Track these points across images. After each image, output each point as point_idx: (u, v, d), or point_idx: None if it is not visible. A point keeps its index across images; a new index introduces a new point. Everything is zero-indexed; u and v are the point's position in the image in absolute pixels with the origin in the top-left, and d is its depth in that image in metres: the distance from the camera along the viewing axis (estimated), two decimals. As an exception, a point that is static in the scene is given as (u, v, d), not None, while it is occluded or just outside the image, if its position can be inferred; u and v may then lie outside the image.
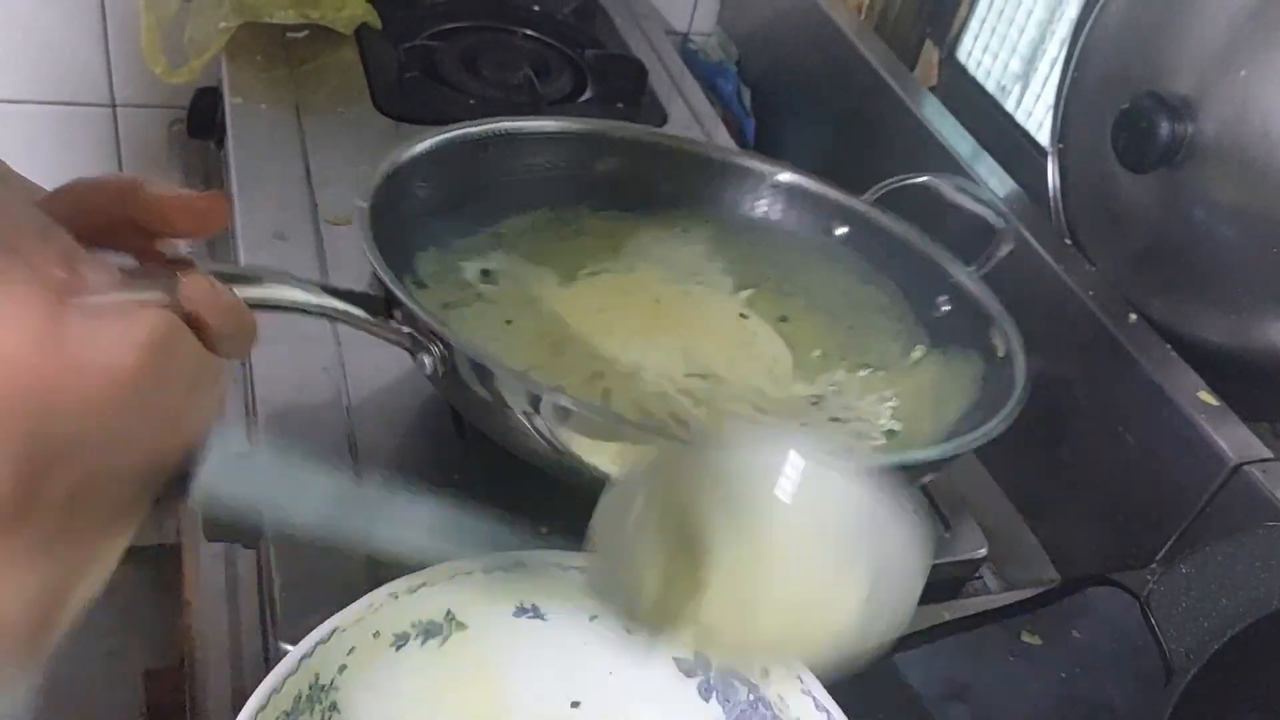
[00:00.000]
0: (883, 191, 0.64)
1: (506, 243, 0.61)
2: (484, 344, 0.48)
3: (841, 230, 0.64)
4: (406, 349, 0.46)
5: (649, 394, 0.56)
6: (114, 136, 0.93)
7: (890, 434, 0.58)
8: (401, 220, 0.54)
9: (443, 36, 0.83)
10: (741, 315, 0.63)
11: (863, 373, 0.61)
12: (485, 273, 0.59)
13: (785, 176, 0.65)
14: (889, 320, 0.63)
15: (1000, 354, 0.56)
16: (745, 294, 0.64)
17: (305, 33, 0.77)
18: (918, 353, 0.61)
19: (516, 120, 0.60)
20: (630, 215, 0.64)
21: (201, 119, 0.79)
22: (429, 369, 0.46)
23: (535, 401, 0.45)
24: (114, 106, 0.91)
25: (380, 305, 0.46)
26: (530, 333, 0.57)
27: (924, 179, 0.62)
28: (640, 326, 0.60)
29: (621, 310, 0.61)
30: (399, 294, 0.45)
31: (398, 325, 0.46)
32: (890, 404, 0.60)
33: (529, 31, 0.87)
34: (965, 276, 0.60)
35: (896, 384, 0.61)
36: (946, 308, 0.61)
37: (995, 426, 0.50)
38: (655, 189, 0.65)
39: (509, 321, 0.57)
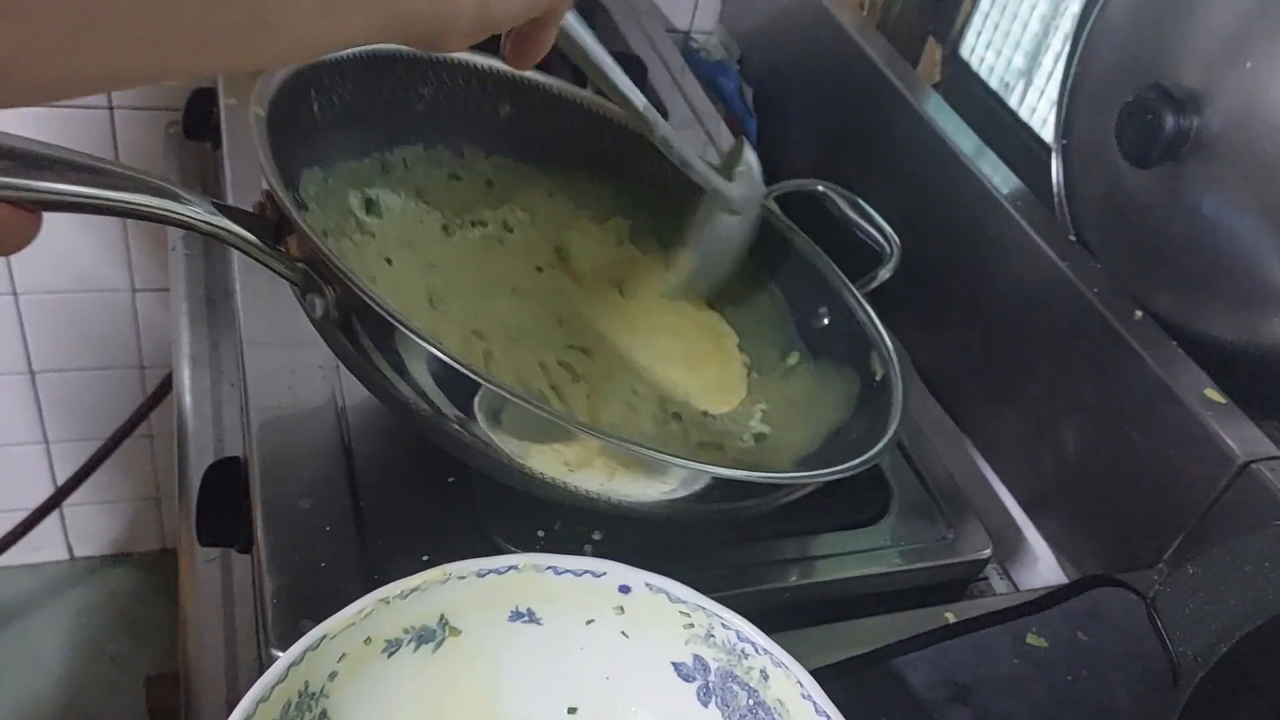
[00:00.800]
0: (778, 193, 0.65)
1: (395, 175, 0.57)
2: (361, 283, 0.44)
3: (732, 218, 0.61)
4: (296, 285, 0.43)
5: (528, 362, 0.54)
6: (111, 138, 0.92)
7: (758, 437, 0.57)
8: (296, 134, 0.51)
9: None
10: (621, 292, 0.62)
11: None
12: (369, 203, 0.56)
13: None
14: (769, 322, 0.63)
15: (878, 377, 0.56)
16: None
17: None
18: (792, 359, 0.61)
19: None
20: (526, 167, 0.62)
21: (197, 120, 0.79)
22: (318, 312, 0.43)
23: (444, 372, 0.42)
24: (111, 109, 0.90)
25: (271, 230, 0.43)
26: (409, 277, 0.54)
27: (818, 187, 0.63)
28: (524, 288, 0.58)
29: (503, 269, 0.59)
30: (295, 218, 0.42)
31: (289, 257, 0.43)
32: (761, 406, 0.59)
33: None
34: (848, 293, 0.61)
35: (769, 389, 0.60)
36: (826, 320, 0.61)
37: (868, 460, 0.49)
38: (555, 142, 0.62)
39: (389, 260, 0.54)
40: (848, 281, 0.61)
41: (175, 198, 0.39)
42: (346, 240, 0.53)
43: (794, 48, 0.93)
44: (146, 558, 1.30)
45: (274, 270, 0.43)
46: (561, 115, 0.63)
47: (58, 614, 1.26)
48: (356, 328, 0.43)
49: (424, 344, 0.41)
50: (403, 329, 0.41)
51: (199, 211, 0.40)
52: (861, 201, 0.63)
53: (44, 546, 1.29)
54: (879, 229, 0.61)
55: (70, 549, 1.31)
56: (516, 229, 0.61)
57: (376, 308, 0.41)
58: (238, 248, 0.42)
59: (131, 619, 1.26)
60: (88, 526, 1.29)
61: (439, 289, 0.55)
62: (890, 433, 0.51)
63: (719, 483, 0.45)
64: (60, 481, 1.17)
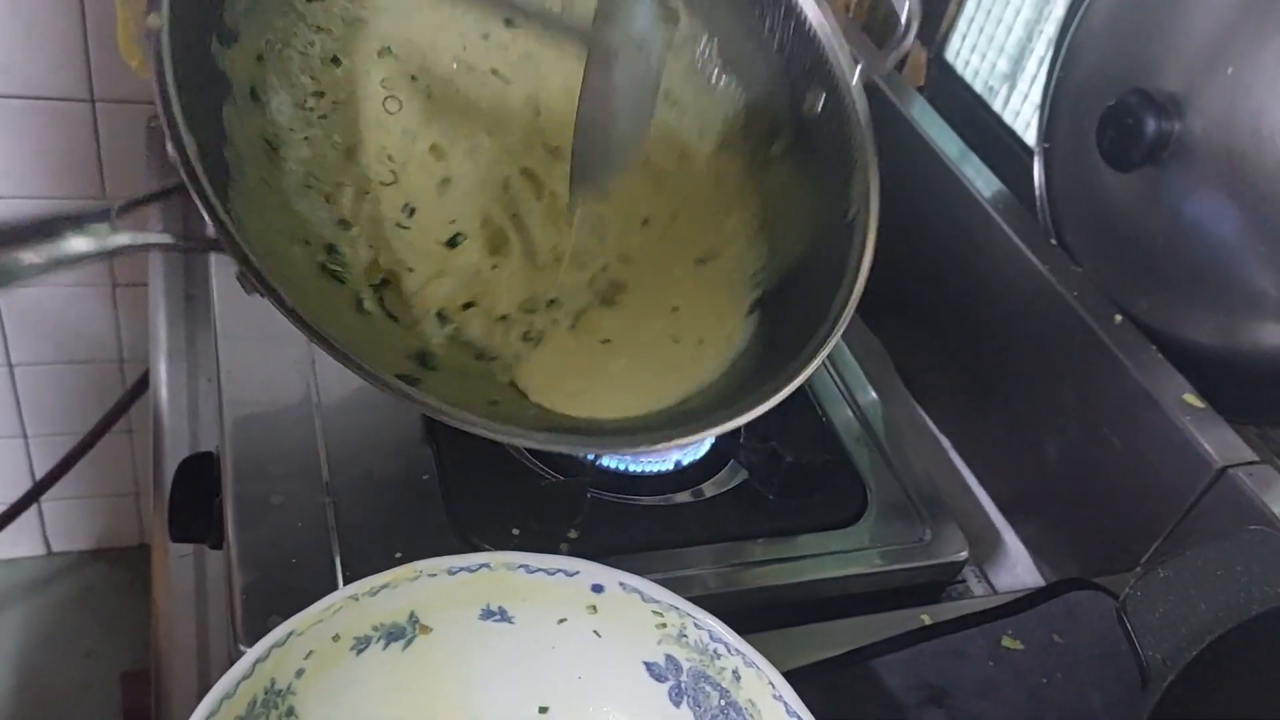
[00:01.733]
0: None
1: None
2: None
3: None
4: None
5: (489, 182, 0.51)
6: (93, 132, 0.91)
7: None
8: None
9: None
10: None
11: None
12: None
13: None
14: (763, 92, 0.57)
15: (849, 215, 0.51)
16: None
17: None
18: (778, 146, 0.56)
19: None
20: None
21: (177, 114, 0.78)
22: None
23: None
24: (93, 102, 0.90)
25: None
26: (363, 73, 0.50)
27: None
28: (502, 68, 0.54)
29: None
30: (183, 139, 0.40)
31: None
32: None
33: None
34: (846, 90, 0.53)
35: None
36: (819, 108, 0.54)
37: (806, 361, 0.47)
38: None
39: (335, 61, 0.50)
40: (851, 63, 0.54)
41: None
42: (291, 50, 0.49)
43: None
44: (124, 554, 1.29)
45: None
46: None
47: (34, 609, 1.25)
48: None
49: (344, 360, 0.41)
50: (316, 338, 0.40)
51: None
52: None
53: (21, 541, 1.28)
54: None
55: (48, 544, 1.30)
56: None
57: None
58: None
59: (108, 615, 1.25)
60: (65, 522, 1.28)
61: (394, 80, 0.50)
62: (831, 327, 0.47)
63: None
64: (38, 476, 1.16)
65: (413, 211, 0.52)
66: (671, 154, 0.58)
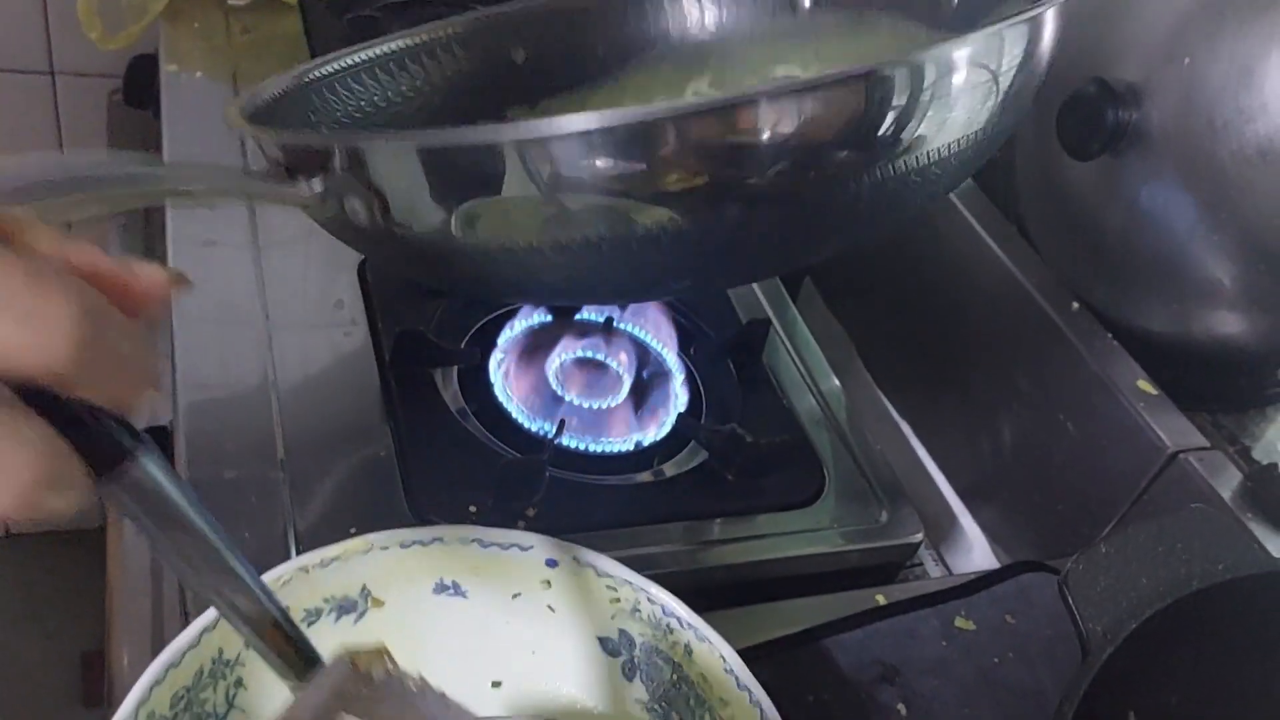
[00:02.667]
0: None
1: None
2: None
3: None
4: (322, 202, 0.38)
5: None
6: (53, 104, 0.90)
7: None
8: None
9: (393, 10, 0.81)
10: None
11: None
12: None
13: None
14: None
15: None
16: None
17: (247, 1, 0.76)
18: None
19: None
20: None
21: (138, 87, 0.77)
22: (362, 216, 0.37)
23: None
24: (53, 74, 0.88)
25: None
26: None
27: None
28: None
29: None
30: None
31: (306, 182, 0.38)
32: None
33: (476, 4, 0.86)
34: None
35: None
36: None
37: None
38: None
39: None
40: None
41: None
42: None
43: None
44: (85, 535, 1.28)
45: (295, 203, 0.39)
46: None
47: (-6, 589, 1.24)
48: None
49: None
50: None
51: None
52: None
53: (-20, 522, 1.26)
54: None
55: (7, 525, 1.28)
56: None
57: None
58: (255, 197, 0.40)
59: (69, 595, 1.23)
60: (25, 503, 1.26)
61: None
62: None
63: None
64: (-3, 456, 1.15)
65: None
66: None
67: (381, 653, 0.31)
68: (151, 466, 0.25)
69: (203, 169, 0.37)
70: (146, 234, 0.75)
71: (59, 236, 0.24)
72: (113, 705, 0.51)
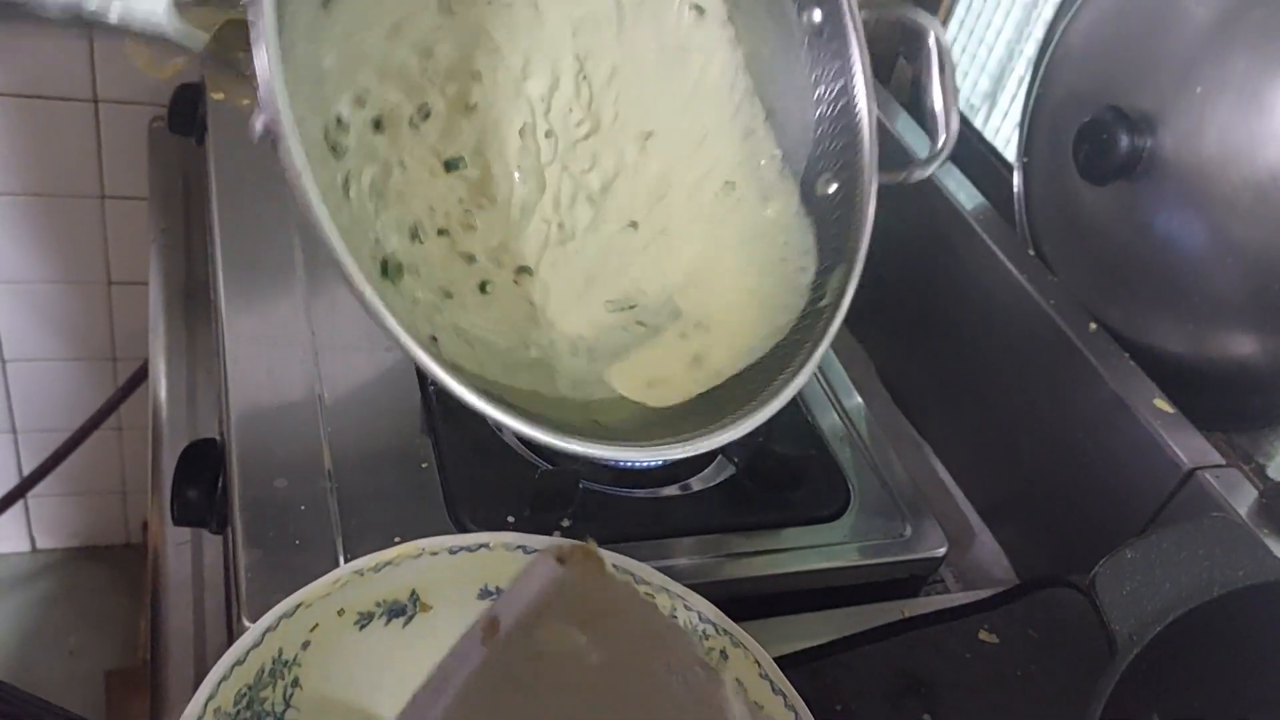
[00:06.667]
0: (884, 18, 0.57)
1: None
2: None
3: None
4: None
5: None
6: (95, 131, 0.93)
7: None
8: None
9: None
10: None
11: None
12: None
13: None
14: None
15: (819, 303, 0.53)
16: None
17: (288, 32, 0.78)
18: (771, 209, 0.56)
19: None
20: None
21: (182, 115, 0.80)
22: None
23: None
24: (96, 102, 0.91)
25: None
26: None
27: (927, 28, 0.53)
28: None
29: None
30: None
31: None
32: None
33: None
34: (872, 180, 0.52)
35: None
36: (830, 192, 0.54)
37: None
38: None
39: None
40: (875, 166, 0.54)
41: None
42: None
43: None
44: (110, 551, 1.30)
45: None
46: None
47: (18, 605, 1.25)
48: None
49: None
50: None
51: None
52: (951, 79, 0.54)
53: (7, 537, 1.28)
54: (944, 115, 0.54)
55: (33, 540, 1.30)
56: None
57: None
58: None
59: (92, 612, 1.25)
60: (52, 518, 1.28)
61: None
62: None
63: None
64: (26, 471, 1.17)
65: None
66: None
67: (590, 551, 0.31)
68: None
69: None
70: (187, 246, 0.77)
71: None
72: (162, 716, 0.53)
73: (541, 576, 0.31)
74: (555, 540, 0.40)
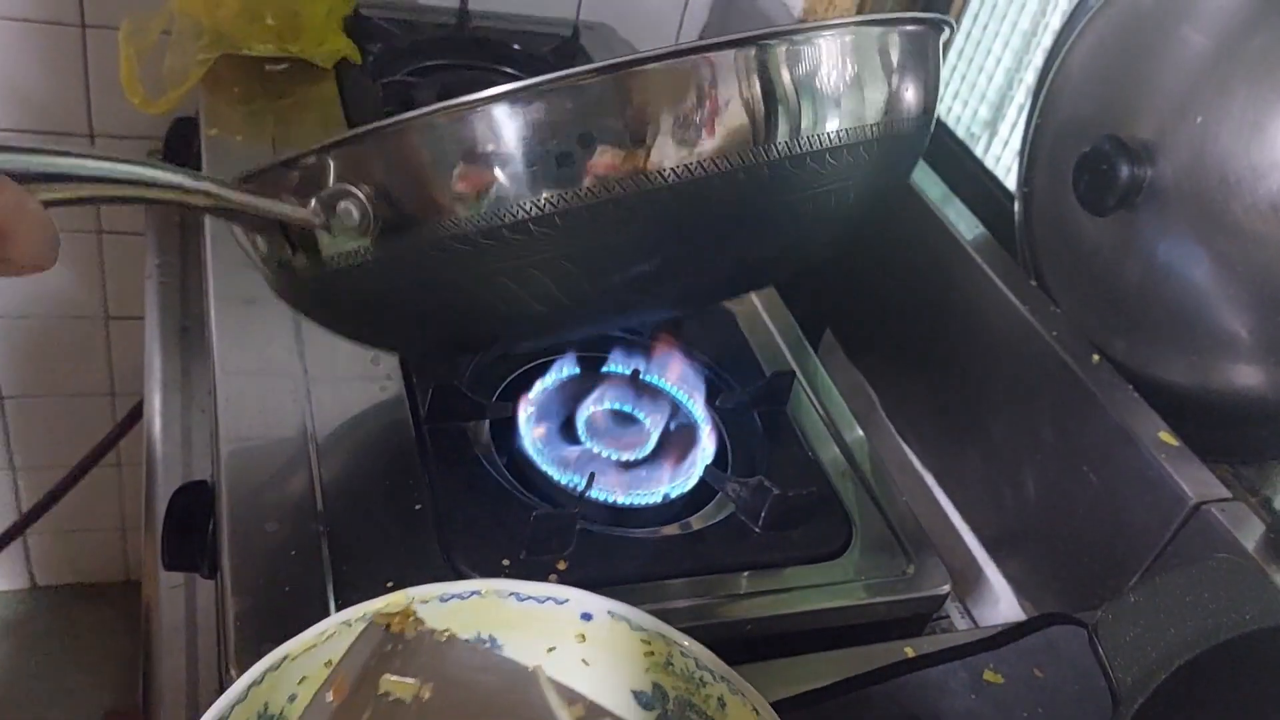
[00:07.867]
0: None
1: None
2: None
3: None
4: (316, 214, 0.40)
5: None
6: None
7: None
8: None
9: (422, 73, 0.84)
10: None
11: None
12: None
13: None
14: None
15: None
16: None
17: (284, 66, 0.78)
18: None
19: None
20: None
21: (177, 149, 0.80)
22: (356, 219, 0.40)
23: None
24: (91, 136, 0.91)
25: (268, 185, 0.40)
26: None
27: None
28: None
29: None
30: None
31: (295, 198, 0.40)
32: None
33: (509, 70, 0.89)
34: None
35: None
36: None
37: None
38: None
39: None
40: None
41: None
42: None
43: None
44: (109, 589, 1.29)
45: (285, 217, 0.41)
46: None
47: (16, 644, 1.24)
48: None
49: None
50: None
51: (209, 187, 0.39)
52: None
53: (6, 574, 1.27)
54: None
55: (32, 578, 1.29)
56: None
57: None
58: (231, 214, 0.41)
59: (92, 651, 1.24)
60: (51, 556, 1.27)
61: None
62: None
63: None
64: (25, 509, 1.16)
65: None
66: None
67: (409, 613, 0.33)
68: None
69: (185, 174, 0.38)
70: (183, 281, 0.77)
71: None
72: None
73: (373, 640, 0.34)
74: (376, 606, 0.39)
